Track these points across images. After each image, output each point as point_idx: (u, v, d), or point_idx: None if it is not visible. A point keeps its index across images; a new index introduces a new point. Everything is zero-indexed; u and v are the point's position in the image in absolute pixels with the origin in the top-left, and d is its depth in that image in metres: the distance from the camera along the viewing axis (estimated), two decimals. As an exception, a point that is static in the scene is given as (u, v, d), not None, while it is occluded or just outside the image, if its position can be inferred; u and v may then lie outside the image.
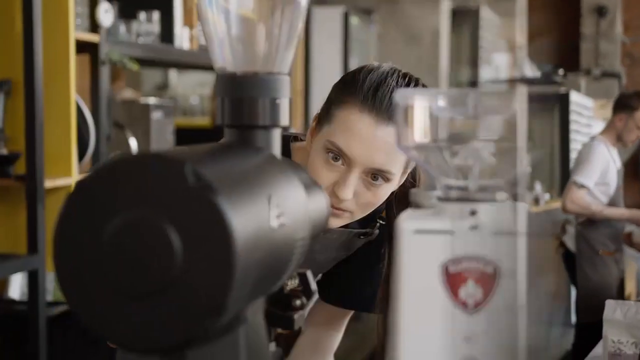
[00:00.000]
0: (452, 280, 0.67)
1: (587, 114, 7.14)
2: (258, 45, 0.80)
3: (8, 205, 2.41)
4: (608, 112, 8.15)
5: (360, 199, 1.26)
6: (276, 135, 0.80)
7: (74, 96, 2.43)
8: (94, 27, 2.60)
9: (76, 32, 2.48)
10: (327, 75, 4.03)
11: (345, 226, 1.37)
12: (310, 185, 0.85)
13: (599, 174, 4.11)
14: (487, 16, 7.27)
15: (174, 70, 4.32)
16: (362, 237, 1.41)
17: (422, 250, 0.68)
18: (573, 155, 7.05)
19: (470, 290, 0.67)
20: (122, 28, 2.86)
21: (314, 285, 0.89)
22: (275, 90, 0.79)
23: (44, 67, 2.33)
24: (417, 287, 0.68)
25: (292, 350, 1.33)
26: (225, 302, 0.60)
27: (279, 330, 0.93)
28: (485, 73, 6.85)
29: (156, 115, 2.92)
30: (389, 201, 1.34)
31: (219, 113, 0.79)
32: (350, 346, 3.47)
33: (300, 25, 0.82)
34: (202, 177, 0.60)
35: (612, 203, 4.18)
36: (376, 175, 1.25)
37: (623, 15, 9.38)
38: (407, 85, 1.28)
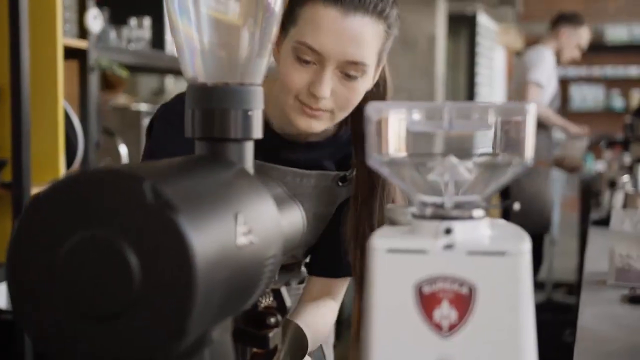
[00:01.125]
0: (426, 301, 0.64)
1: (492, 38, 7.28)
2: (230, 55, 0.78)
3: (-6, 213, 2.39)
4: (510, 38, 8.26)
5: (338, 97, 1.23)
6: (249, 148, 0.77)
7: (61, 103, 2.40)
8: (83, 33, 2.57)
9: (65, 38, 2.45)
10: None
11: (322, 169, 1.36)
12: (284, 199, 0.82)
13: (547, 78, 4.26)
14: (484, 22, 7.27)
15: (170, 75, 4.30)
16: (340, 183, 1.38)
17: (395, 270, 0.65)
18: (478, 79, 7.14)
19: (444, 311, 0.64)
20: (113, 34, 2.84)
21: (289, 302, 0.86)
22: (248, 101, 0.76)
23: (31, 74, 2.30)
24: (389, 308, 0.65)
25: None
26: (186, 325, 0.57)
27: (254, 349, 0.90)
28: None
29: (148, 121, 2.89)
30: (359, 137, 1.33)
31: (189, 125, 0.77)
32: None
33: (274, 33, 0.80)
34: (161, 194, 0.57)
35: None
36: (350, 71, 1.22)
37: None
38: None
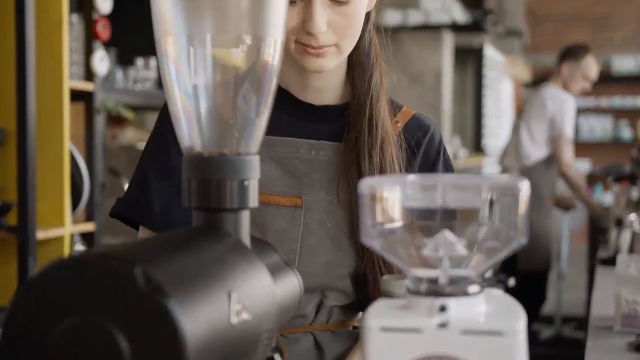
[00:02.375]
0: (421, 380, 0.64)
1: (499, 69, 7.29)
2: (226, 125, 0.78)
3: (-1, 257, 2.39)
4: (517, 69, 8.28)
5: (336, 27, 1.16)
6: (245, 218, 0.77)
7: (67, 145, 2.41)
8: (90, 75, 2.59)
9: (71, 80, 2.47)
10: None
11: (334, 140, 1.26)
12: (280, 267, 0.82)
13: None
14: (491, 54, 7.30)
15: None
16: None
17: (389, 349, 0.65)
18: (485, 110, 7.13)
19: (439, 391, 0.63)
20: (120, 74, 2.86)
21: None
22: (244, 171, 0.77)
23: (37, 116, 2.32)
24: (384, 387, 0.64)
25: None
26: (178, 410, 0.57)
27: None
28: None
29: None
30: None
31: (185, 195, 0.77)
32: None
33: (270, 101, 0.80)
34: (152, 279, 0.57)
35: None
36: None
37: None
38: None
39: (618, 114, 10.09)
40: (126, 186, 2.94)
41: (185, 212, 0.98)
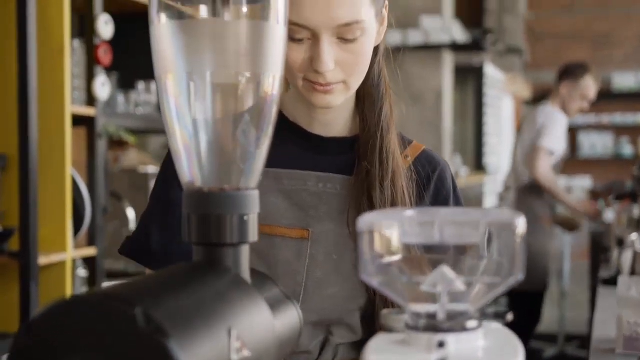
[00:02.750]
0: (420, 417, 0.64)
1: (499, 87, 7.30)
2: (226, 160, 0.79)
3: (1, 282, 2.39)
4: (517, 86, 8.29)
5: (344, 65, 1.14)
6: (244, 252, 0.78)
7: (69, 171, 2.42)
8: (91, 100, 2.60)
9: (73, 105, 2.48)
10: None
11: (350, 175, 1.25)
12: (280, 300, 0.82)
13: (559, 143, 4.25)
14: (491, 72, 7.32)
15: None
16: None
17: (388, 385, 0.65)
18: (486, 129, 7.13)
19: None
20: (121, 98, 2.87)
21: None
22: (244, 206, 0.77)
23: (39, 142, 2.33)
24: (384, 423, 0.65)
25: None
26: None
27: None
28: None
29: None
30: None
31: (185, 230, 0.78)
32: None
33: (269, 135, 0.80)
34: (153, 319, 0.58)
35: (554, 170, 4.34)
36: (346, 35, 1.12)
37: None
38: None
39: (619, 130, 10.12)
40: (128, 210, 2.95)
41: (185, 249, 0.99)
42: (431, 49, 5.28)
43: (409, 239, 0.68)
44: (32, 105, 2.31)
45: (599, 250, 4.54)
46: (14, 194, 2.34)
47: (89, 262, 2.65)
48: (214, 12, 0.79)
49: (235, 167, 0.79)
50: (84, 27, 2.67)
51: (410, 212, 0.70)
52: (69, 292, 2.32)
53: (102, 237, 2.66)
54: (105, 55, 2.57)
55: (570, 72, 4.38)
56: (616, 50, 10.12)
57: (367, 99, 1.28)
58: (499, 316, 0.71)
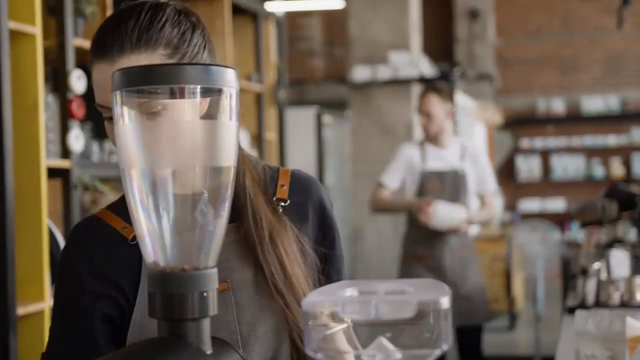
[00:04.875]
0: None
1: (471, 114, 7.42)
2: (186, 243, 0.87)
3: (-20, 334, 2.44)
4: (488, 113, 8.41)
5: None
6: (205, 325, 0.86)
7: (45, 222, 2.49)
8: (66, 152, 2.68)
9: (48, 159, 2.55)
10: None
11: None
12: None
13: (396, 175, 4.03)
14: (462, 101, 7.46)
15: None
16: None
17: None
18: None
19: None
20: (95, 148, 2.95)
21: None
22: (204, 284, 0.86)
23: (15, 194, 2.40)
24: None
25: None
26: None
27: None
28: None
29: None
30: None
31: (151, 307, 0.86)
32: None
33: (225, 218, 0.89)
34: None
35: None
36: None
37: (496, 19, 9.82)
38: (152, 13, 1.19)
39: (590, 152, 10.29)
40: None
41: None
42: (400, 83, 5.40)
43: (349, 315, 0.77)
44: (8, 159, 2.38)
45: (568, 276, 4.62)
46: (-8, 246, 2.40)
47: (67, 308, 2.69)
48: (173, 113, 0.88)
49: (194, 248, 0.87)
50: (57, 82, 2.75)
51: (349, 292, 0.78)
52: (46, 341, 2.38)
53: (79, 283, 2.70)
54: (78, 109, 2.65)
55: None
56: (584, 74, 10.32)
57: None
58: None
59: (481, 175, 4.03)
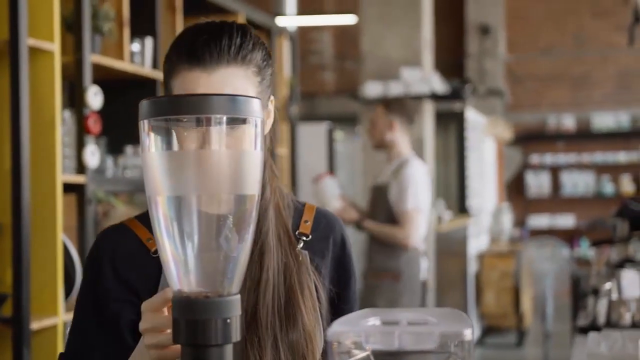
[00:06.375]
0: None
1: (481, 130, 7.42)
2: (210, 270, 0.88)
3: (-6, 348, 2.46)
4: (498, 129, 8.40)
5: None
6: (228, 351, 0.87)
7: (60, 237, 2.51)
8: (81, 167, 2.70)
9: (64, 174, 2.57)
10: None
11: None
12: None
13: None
14: (472, 117, 7.47)
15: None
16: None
17: None
18: (469, 172, 7.22)
19: None
20: (110, 163, 2.97)
21: None
22: (227, 310, 0.87)
23: (31, 210, 2.42)
24: None
25: None
26: None
27: None
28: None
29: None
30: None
31: (176, 333, 0.87)
32: None
33: (249, 245, 0.90)
34: None
35: None
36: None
37: (507, 34, 9.82)
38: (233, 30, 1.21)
39: (600, 169, 10.27)
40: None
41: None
42: (412, 99, 5.40)
43: (372, 345, 0.78)
44: (24, 175, 2.40)
45: (578, 294, 4.61)
46: (7, 260, 2.42)
47: (79, 322, 2.70)
48: (200, 143, 0.89)
49: (218, 273, 0.89)
50: (74, 98, 2.77)
51: (372, 321, 0.79)
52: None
53: (92, 298, 2.72)
54: (94, 125, 2.67)
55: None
56: (595, 91, 10.31)
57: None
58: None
59: (399, 193, 3.92)
